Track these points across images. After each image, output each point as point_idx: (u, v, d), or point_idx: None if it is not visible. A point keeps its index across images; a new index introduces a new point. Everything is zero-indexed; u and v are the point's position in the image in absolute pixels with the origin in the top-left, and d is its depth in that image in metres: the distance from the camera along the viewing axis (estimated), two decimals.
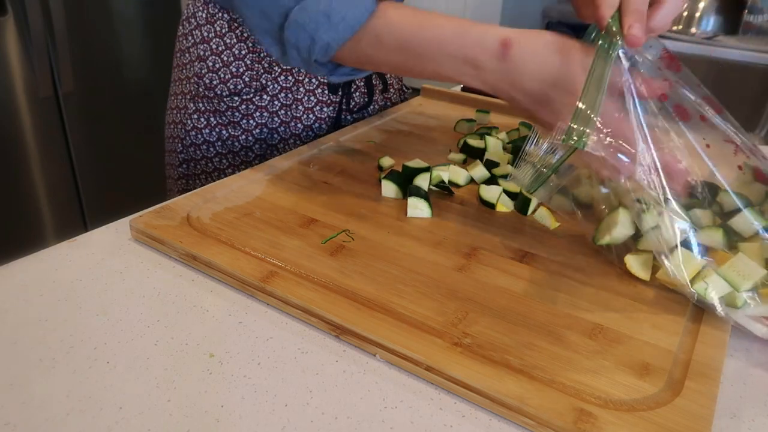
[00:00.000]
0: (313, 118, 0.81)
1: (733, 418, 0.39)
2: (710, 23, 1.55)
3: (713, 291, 0.45)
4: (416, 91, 0.97)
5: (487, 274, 0.49)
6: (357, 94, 0.83)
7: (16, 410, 0.37)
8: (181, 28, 0.82)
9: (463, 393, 0.38)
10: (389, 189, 0.62)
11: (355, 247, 0.52)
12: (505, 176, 0.64)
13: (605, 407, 0.36)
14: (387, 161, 0.69)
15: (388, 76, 0.88)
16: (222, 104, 0.79)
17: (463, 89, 1.01)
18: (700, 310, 0.46)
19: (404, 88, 0.93)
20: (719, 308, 0.45)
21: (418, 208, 0.58)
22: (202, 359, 0.41)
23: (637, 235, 0.51)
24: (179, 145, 0.83)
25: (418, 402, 0.38)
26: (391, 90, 0.90)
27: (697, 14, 1.56)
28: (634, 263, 0.50)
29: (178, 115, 0.82)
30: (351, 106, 0.83)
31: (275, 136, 0.81)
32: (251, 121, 0.80)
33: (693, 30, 1.55)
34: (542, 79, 0.51)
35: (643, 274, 0.50)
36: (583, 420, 0.35)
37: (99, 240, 0.55)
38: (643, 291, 0.48)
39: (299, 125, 0.81)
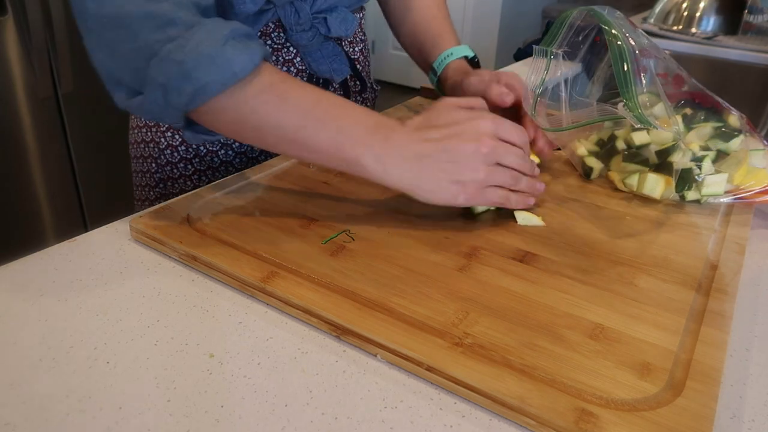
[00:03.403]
0: None
1: (733, 419, 0.39)
2: (710, 23, 1.55)
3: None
4: (416, 91, 0.97)
5: (488, 274, 0.49)
6: None
7: (16, 410, 0.37)
8: None
9: (464, 393, 0.38)
10: None
11: (356, 247, 0.52)
12: None
13: (606, 407, 0.36)
14: None
15: (364, 73, 0.86)
16: None
17: None
18: (701, 310, 0.46)
19: (374, 86, 0.92)
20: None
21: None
22: (202, 359, 0.41)
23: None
24: (153, 164, 0.78)
25: (418, 402, 0.38)
26: (368, 90, 0.88)
27: (697, 14, 1.56)
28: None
29: (149, 133, 0.78)
30: None
31: (255, 148, 0.78)
32: None
33: (693, 30, 1.55)
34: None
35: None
36: (584, 420, 0.35)
37: (99, 240, 0.55)
38: (643, 291, 0.48)
39: None
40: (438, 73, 0.81)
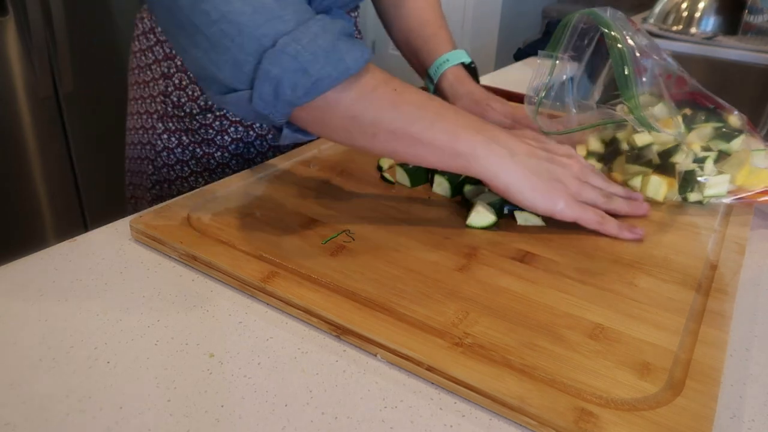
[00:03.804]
0: None
1: (733, 418, 0.39)
2: (710, 23, 1.55)
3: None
4: None
5: (488, 274, 0.49)
6: None
7: (16, 410, 0.37)
8: (137, 43, 0.78)
9: (464, 393, 0.38)
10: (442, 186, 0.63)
11: (356, 247, 0.52)
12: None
13: (606, 407, 0.36)
14: (387, 161, 0.69)
15: None
16: (194, 122, 0.75)
17: None
18: (701, 310, 0.46)
19: None
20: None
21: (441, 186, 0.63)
22: (202, 359, 0.41)
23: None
24: (149, 166, 0.78)
25: (418, 402, 0.38)
26: None
27: (697, 14, 1.56)
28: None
29: (145, 135, 0.78)
30: None
31: (252, 150, 0.78)
32: (226, 137, 0.76)
33: (693, 30, 1.55)
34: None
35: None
36: (584, 419, 0.35)
37: (99, 240, 0.55)
38: (643, 291, 0.48)
39: None
40: (435, 80, 0.79)
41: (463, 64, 0.78)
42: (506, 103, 0.77)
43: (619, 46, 0.61)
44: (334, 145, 0.74)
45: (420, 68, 0.82)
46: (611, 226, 0.56)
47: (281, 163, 0.68)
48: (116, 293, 0.48)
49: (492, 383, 0.38)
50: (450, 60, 0.78)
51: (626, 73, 0.59)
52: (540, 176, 0.54)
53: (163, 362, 0.41)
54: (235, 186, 0.62)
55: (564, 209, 0.54)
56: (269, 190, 0.62)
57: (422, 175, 0.64)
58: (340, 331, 0.43)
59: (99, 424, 0.36)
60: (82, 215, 1.76)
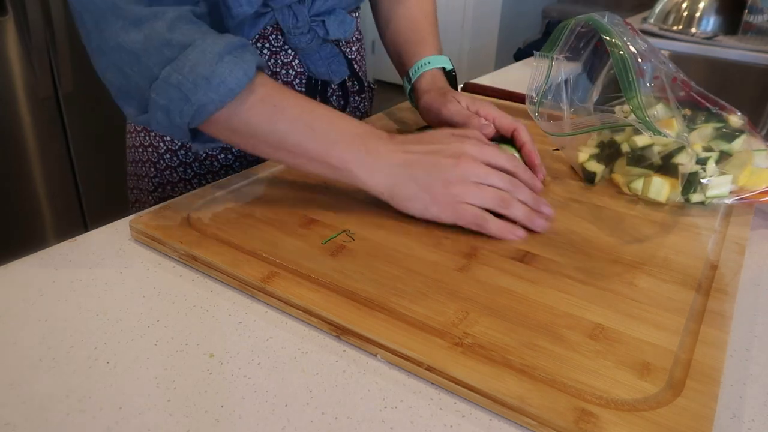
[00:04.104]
0: None
1: (733, 419, 0.39)
2: (710, 23, 1.55)
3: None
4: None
5: (488, 274, 0.49)
6: (333, 98, 0.81)
7: (16, 410, 0.37)
8: None
9: (464, 393, 0.38)
10: None
11: (356, 247, 0.52)
12: None
13: (606, 407, 0.36)
14: None
15: (361, 73, 0.85)
16: None
17: (464, 89, 1.00)
18: (701, 310, 0.46)
19: (371, 85, 0.90)
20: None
21: None
22: (202, 359, 0.41)
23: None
24: (152, 169, 0.78)
25: (418, 402, 0.38)
26: (366, 89, 0.87)
27: (697, 14, 1.56)
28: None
29: (147, 138, 0.77)
30: None
31: None
32: None
33: (693, 30, 1.55)
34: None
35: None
36: (584, 420, 0.35)
37: (99, 240, 0.55)
38: (643, 291, 0.48)
39: None
40: (412, 81, 0.78)
41: (444, 69, 0.78)
42: (475, 98, 0.75)
43: (621, 53, 0.61)
44: None
45: (402, 69, 0.82)
46: (491, 225, 0.54)
47: (281, 163, 0.68)
48: (116, 293, 0.48)
49: (492, 383, 0.38)
50: (431, 63, 0.78)
51: (630, 79, 0.59)
52: (415, 182, 0.54)
53: (163, 362, 0.41)
54: (234, 186, 0.62)
55: (437, 213, 0.54)
56: (269, 190, 0.62)
57: None
58: (340, 331, 0.43)
59: (99, 424, 0.36)
60: (82, 215, 1.77)
